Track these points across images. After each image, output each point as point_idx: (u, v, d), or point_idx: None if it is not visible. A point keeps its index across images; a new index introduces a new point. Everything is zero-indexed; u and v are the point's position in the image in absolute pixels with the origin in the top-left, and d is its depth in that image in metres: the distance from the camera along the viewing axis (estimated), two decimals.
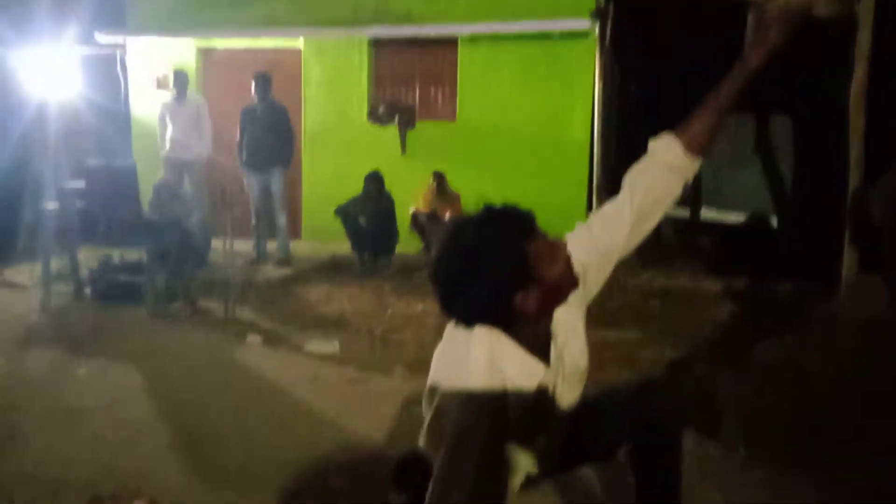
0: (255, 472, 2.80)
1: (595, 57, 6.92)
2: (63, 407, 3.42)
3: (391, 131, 7.60)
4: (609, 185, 6.82)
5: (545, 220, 1.61)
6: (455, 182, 7.18)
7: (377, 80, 7.76)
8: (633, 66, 7.45)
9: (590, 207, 7.01)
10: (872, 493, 2.36)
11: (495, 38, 7.32)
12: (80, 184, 5.65)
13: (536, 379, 1.61)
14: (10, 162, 7.52)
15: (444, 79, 7.64)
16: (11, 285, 6.15)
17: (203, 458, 2.91)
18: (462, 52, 7.48)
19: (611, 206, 1.81)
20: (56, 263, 5.94)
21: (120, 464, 2.84)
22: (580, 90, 7.18)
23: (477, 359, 1.54)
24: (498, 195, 1.70)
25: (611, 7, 6.70)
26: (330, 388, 3.79)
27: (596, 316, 1.76)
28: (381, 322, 5.09)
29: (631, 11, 6.70)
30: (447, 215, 6.97)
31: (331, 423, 3.32)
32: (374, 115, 7.59)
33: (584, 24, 6.91)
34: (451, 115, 7.61)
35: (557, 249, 1.59)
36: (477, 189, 7.06)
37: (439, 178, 7.13)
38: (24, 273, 6.40)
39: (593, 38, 6.95)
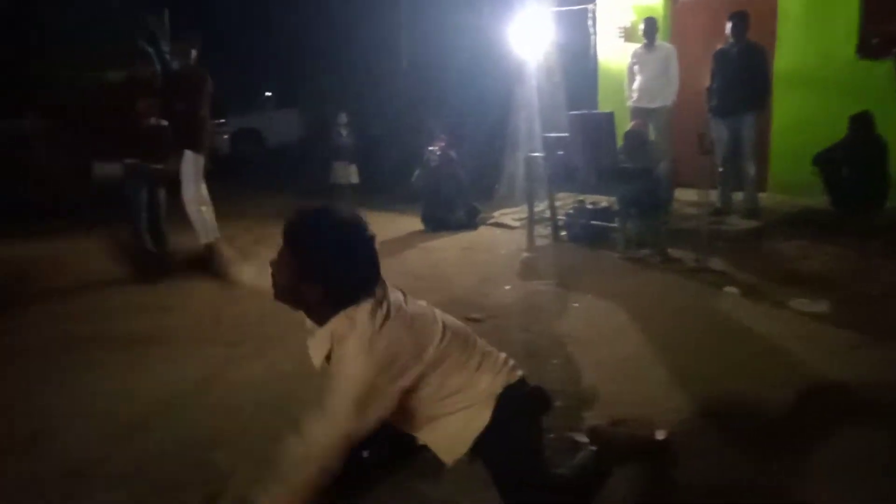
0: (752, 414, 2.74)
1: None
2: (568, 335, 3.80)
3: (884, 67, 6.54)
4: None
5: None
6: None
7: (869, 8, 6.72)
8: None
9: None
10: None
11: None
12: (561, 133, 6.13)
13: None
14: (498, 116, 8.60)
15: None
16: (501, 226, 7.06)
17: (698, 396, 2.94)
18: None
19: None
20: (537, 207, 6.63)
21: (626, 392, 3.05)
22: None
23: None
24: None
25: None
26: (828, 351, 3.48)
27: None
28: (874, 284, 4.51)
29: None
30: None
31: (839, 390, 3.06)
32: (865, 49, 6.63)
33: None
34: None
35: None
36: None
37: None
38: (509, 215, 7.30)
39: None
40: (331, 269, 1.88)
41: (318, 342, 1.98)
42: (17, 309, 4.64)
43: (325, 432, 1.86)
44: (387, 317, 1.91)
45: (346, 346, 1.88)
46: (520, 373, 2.13)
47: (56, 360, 3.63)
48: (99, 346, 3.83)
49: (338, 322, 1.92)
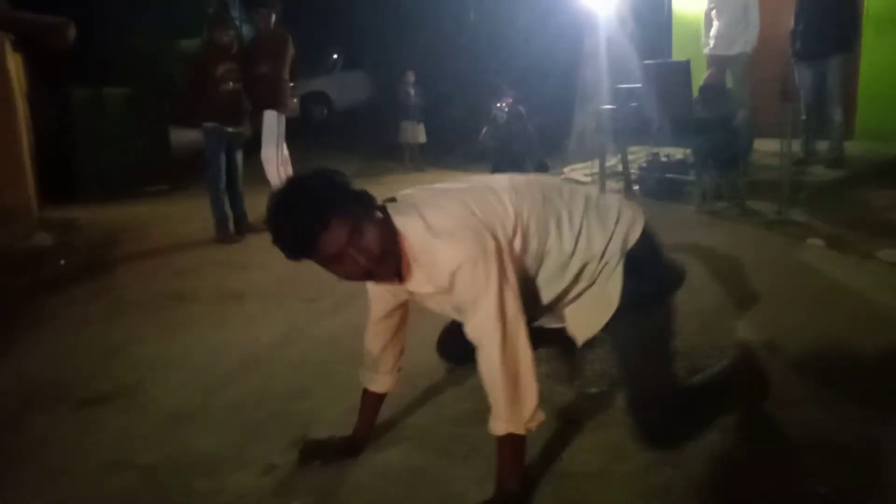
0: (840, 368, 2.66)
1: None
2: None
3: None
4: None
5: None
6: None
7: None
8: None
9: None
10: None
11: None
12: (634, 84, 5.98)
13: None
14: (567, 69, 8.41)
15: None
16: (572, 181, 6.97)
17: (782, 351, 2.86)
18: None
19: None
20: (608, 161, 6.50)
21: (705, 346, 2.98)
22: None
23: None
24: None
25: None
26: None
27: None
28: None
29: None
30: None
31: None
32: None
33: None
34: None
35: None
36: None
37: None
38: (580, 170, 7.20)
39: None
40: (355, 204, 1.74)
41: (420, 286, 1.83)
42: (110, 269, 4.90)
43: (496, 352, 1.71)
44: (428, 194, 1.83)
45: (435, 255, 1.71)
46: (641, 224, 1.89)
47: (153, 315, 3.83)
48: (189, 302, 4.02)
49: (409, 257, 1.78)
